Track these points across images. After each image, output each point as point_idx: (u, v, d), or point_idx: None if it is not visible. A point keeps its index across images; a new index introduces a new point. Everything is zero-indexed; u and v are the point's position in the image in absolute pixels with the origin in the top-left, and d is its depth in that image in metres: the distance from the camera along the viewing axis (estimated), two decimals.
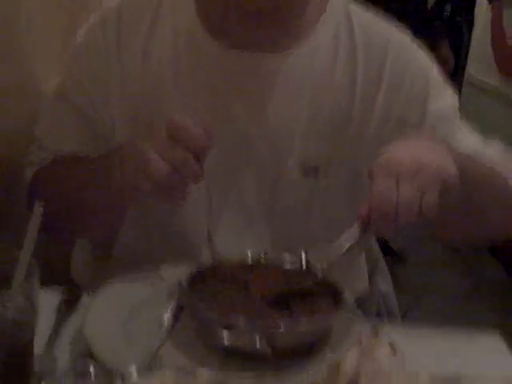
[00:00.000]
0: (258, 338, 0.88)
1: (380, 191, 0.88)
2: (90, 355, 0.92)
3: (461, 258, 3.43)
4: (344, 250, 0.95)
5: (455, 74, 3.53)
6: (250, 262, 1.06)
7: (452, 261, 3.44)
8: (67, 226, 1.21)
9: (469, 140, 1.18)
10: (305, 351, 0.94)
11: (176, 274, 1.03)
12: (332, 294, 1.00)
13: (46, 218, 0.98)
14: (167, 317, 0.90)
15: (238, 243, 1.16)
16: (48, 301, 1.05)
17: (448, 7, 3.97)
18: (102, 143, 1.17)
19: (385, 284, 1.49)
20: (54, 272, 1.37)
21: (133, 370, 0.77)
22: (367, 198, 0.91)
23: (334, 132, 1.15)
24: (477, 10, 4.05)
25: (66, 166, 1.17)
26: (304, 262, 1.03)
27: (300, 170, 1.15)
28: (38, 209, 0.77)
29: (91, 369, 0.80)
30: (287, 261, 1.05)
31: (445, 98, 1.19)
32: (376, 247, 1.48)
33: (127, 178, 0.99)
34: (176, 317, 0.91)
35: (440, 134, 1.15)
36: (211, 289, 1.00)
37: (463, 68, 3.91)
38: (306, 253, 1.04)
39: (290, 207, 1.18)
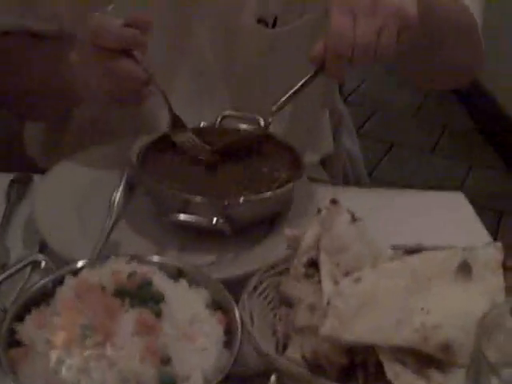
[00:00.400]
0: (215, 211, 0.84)
1: (336, 30, 0.83)
2: (42, 243, 0.89)
3: (428, 108, 3.40)
4: (292, 90, 0.90)
5: None
6: (204, 127, 1.01)
7: (419, 112, 3.41)
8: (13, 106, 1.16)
9: None
10: (264, 228, 0.92)
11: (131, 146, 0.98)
12: (292, 160, 0.96)
13: None
14: (118, 196, 0.85)
15: (197, 107, 1.11)
16: None
17: None
18: (41, 18, 1.08)
19: (350, 141, 1.47)
20: (9, 149, 1.34)
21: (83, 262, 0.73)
22: (323, 36, 0.85)
23: None
24: None
25: (14, 44, 1.10)
26: (262, 123, 0.97)
27: (257, 20, 1.07)
28: None
29: (42, 259, 0.76)
30: (246, 120, 1.00)
31: None
32: (339, 101, 1.43)
33: (72, 85, 0.94)
34: (128, 196, 0.86)
35: None
36: (164, 162, 0.95)
37: None
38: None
39: (248, 61, 1.11)
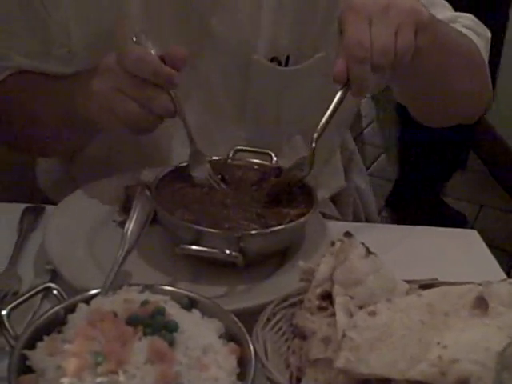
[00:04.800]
0: (228, 243, 0.84)
1: (352, 36, 0.82)
2: (53, 272, 0.89)
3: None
4: (327, 115, 0.87)
5: None
6: (217, 161, 1.01)
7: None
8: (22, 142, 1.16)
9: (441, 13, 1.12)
10: (277, 260, 0.91)
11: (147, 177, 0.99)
12: (305, 194, 0.96)
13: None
14: (131, 227, 0.85)
15: (208, 141, 1.12)
16: (10, 216, 1.01)
17: None
18: (58, 59, 1.09)
19: (361, 179, 1.47)
20: (22, 181, 1.34)
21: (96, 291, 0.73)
22: (340, 50, 0.83)
23: (302, 19, 1.08)
24: None
25: (26, 84, 1.10)
26: (274, 158, 0.99)
27: (270, 59, 1.08)
28: None
29: (54, 287, 0.75)
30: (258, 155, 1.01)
31: None
32: (350, 139, 1.44)
33: (91, 114, 0.94)
34: (141, 227, 0.86)
35: None
36: (178, 193, 0.95)
37: None
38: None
39: (261, 99, 1.12)
